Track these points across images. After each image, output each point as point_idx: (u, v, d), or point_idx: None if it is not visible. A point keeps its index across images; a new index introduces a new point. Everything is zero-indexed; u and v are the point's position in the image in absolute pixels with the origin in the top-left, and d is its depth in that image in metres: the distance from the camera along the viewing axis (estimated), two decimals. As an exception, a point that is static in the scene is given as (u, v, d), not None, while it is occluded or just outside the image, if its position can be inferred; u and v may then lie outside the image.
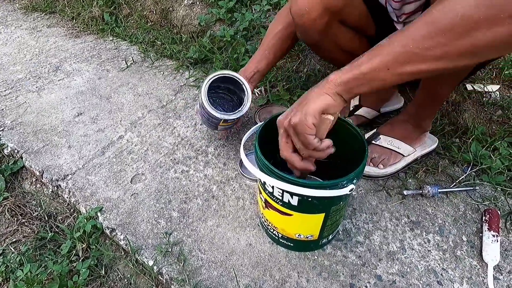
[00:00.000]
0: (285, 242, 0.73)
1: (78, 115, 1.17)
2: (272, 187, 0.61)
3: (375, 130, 0.93)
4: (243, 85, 0.87)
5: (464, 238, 0.76)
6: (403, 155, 0.88)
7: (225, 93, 0.97)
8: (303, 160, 0.58)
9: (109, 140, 1.06)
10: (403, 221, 0.80)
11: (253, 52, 1.28)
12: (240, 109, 0.86)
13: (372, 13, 0.83)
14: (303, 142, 0.54)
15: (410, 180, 0.89)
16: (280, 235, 0.72)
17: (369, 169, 0.87)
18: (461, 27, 0.41)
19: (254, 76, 0.91)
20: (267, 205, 0.67)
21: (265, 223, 0.74)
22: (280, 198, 0.61)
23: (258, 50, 0.91)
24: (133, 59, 1.46)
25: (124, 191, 0.90)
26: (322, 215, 0.63)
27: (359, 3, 0.81)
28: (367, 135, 0.93)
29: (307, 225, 0.66)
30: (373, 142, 0.89)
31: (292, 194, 0.59)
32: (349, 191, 0.56)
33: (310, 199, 0.58)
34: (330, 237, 0.73)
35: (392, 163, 0.87)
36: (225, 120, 0.86)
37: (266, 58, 0.90)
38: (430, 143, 0.90)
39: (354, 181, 0.56)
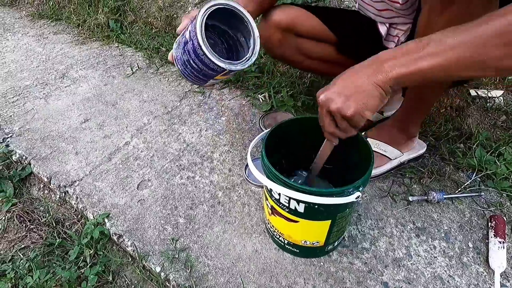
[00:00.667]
0: (291, 248, 0.73)
1: (84, 122, 1.19)
2: (279, 194, 0.61)
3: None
4: (249, 25, 0.66)
5: (470, 245, 0.77)
6: (390, 158, 0.89)
7: (213, 36, 0.76)
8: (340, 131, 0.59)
9: (115, 146, 1.08)
10: (408, 227, 0.80)
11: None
12: (248, 57, 0.67)
13: (336, 19, 0.94)
14: (350, 128, 0.55)
15: (415, 186, 0.89)
16: (286, 242, 0.72)
17: None
18: None
19: None
20: (274, 211, 0.67)
21: (271, 230, 0.74)
22: (287, 205, 0.62)
23: None
24: (138, 66, 1.48)
25: (131, 197, 0.91)
26: (328, 222, 0.64)
27: (308, 17, 0.91)
28: None
29: (314, 232, 0.67)
30: None
31: (298, 201, 0.59)
32: (355, 199, 0.56)
33: (316, 206, 0.59)
34: (336, 243, 0.74)
35: (377, 166, 0.88)
36: (226, 73, 0.67)
37: (253, 1, 0.83)
38: (418, 148, 0.91)
39: (360, 188, 0.57)
